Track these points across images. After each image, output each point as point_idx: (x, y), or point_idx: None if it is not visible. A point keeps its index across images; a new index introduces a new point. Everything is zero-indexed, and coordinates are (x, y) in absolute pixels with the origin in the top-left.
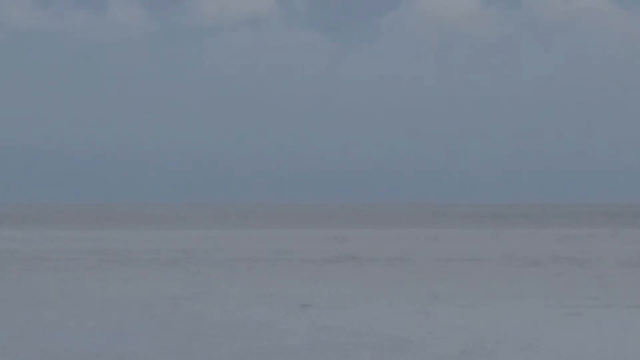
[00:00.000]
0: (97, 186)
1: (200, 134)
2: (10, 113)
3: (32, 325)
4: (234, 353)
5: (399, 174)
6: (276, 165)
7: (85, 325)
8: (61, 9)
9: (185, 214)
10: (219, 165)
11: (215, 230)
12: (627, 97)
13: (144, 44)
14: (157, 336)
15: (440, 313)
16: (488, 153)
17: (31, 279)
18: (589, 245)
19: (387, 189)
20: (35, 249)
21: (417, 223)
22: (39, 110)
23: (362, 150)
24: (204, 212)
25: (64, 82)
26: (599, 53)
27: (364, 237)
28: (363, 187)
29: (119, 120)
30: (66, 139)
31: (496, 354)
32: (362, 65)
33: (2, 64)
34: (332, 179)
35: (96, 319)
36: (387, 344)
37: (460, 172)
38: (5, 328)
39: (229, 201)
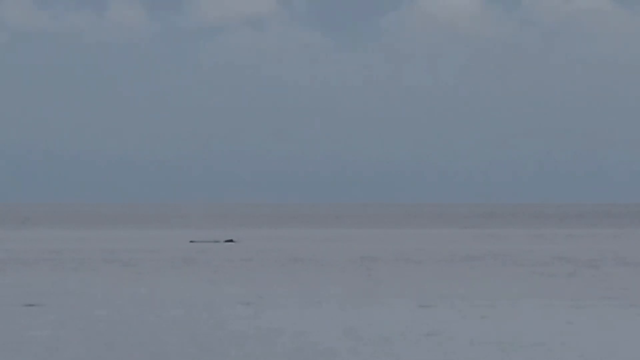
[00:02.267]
0: (96, 186)
1: (200, 134)
2: (10, 113)
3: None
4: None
5: (399, 175)
6: (278, 166)
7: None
8: (62, 10)
9: (180, 214)
10: (219, 166)
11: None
12: (628, 97)
13: (144, 44)
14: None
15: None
16: (488, 153)
17: (31, 279)
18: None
19: (387, 189)
20: (37, 248)
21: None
22: (39, 111)
23: (362, 150)
24: (200, 212)
25: (65, 82)
26: (600, 53)
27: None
28: (363, 187)
29: (119, 120)
30: (66, 139)
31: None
32: (362, 64)
33: (3, 64)
34: (333, 179)
35: (102, 321)
36: None
37: (459, 172)
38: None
39: (228, 201)
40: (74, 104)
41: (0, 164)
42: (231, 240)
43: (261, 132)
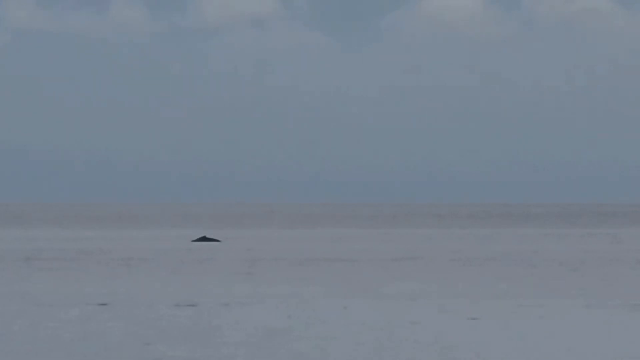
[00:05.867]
0: (97, 186)
1: (201, 135)
2: (11, 112)
3: (32, 326)
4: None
5: (398, 175)
6: (278, 166)
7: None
8: (63, 9)
9: (181, 214)
10: (220, 166)
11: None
12: (628, 97)
13: (146, 44)
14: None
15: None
16: (487, 153)
17: (31, 279)
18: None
19: (386, 189)
20: (35, 248)
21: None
22: (40, 110)
23: (362, 150)
24: (200, 212)
25: (65, 81)
26: (600, 53)
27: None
28: (362, 187)
29: (120, 119)
30: (67, 139)
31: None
32: (363, 65)
33: (5, 63)
34: (333, 179)
35: (99, 321)
36: None
37: (459, 172)
38: (3, 329)
39: (228, 201)
40: (74, 104)
41: (0, 163)
42: (205, 238)
43: (262, 132)
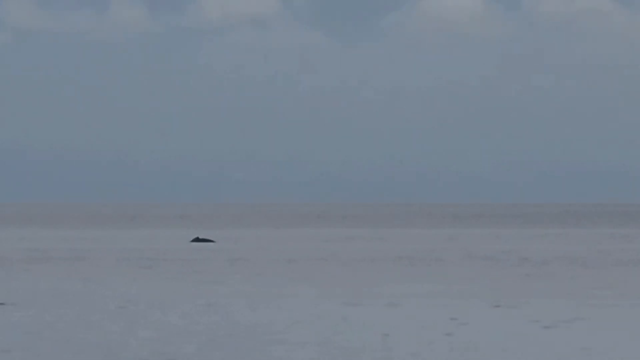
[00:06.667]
0: (96, 186)
1: (201, 135)
2: (11, 112)
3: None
4: None
5: (398, 175)
6: (277, 166)
7: (88, 325)
8: (63, 9)
9: (180, 214)
10: (220, 165)
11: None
12: (628, 97)
13: (145, 44)
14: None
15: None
16: (488, 153)
17: (32, 279)
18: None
19: (386, 190)
20: (33, 248)
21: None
22: (40, 110)
23: (362, 150)
24: (199, 212)
25: (66, 81)
26: (600, 53)
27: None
28: (362, 187)
29: (120, 120)
30: (66, 139)
31: None
32: (363, 64)
33: (5, 63)
34: (334, 179)
35: (99, 319)
36: None
37: (459, 172)
38: (12, 329)
39: (226, 201)
40: (74, 104)
41: (0, 163)
42: (198, 239)
43: (262, 132)
